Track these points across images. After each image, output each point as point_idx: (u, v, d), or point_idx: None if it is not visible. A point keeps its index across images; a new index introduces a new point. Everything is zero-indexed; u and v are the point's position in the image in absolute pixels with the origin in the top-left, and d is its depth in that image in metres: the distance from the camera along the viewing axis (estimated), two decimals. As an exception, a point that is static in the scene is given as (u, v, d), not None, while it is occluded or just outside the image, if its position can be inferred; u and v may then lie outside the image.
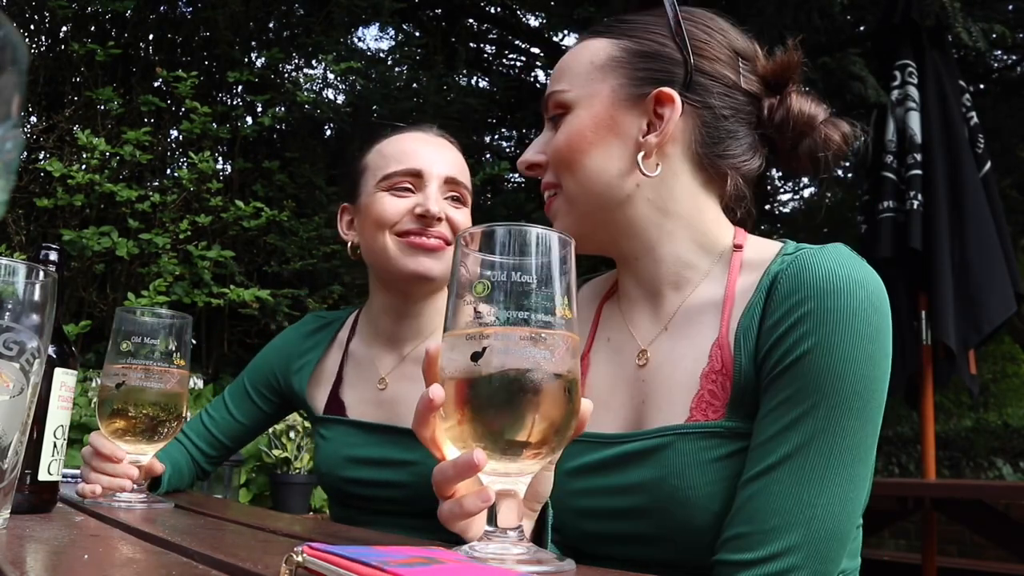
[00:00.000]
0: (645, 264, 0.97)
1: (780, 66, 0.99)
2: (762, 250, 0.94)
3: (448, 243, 1.41)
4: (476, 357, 0.62)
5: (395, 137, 1.47)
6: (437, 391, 0.65)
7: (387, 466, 1.36)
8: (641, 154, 0.93)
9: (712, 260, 0.95)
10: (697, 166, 0.96)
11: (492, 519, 0.66)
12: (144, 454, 1.18)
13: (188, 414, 1.51)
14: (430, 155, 1.43)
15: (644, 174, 0.93)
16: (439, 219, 1.39)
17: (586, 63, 0.98)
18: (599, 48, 0.98)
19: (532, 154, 1.01)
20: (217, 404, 1.57)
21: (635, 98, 0.94)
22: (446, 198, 1.42)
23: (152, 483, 1.38)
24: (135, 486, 1.17)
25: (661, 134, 0.93)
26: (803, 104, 0.98)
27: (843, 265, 0.83)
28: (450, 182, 1.43)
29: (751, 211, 1.01)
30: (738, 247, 0.95)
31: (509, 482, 0.66)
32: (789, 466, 0.79)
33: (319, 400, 1.50)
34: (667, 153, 0.95)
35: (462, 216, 1.44)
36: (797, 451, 0.79)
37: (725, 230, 0.98)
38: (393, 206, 1.40)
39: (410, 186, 1.41)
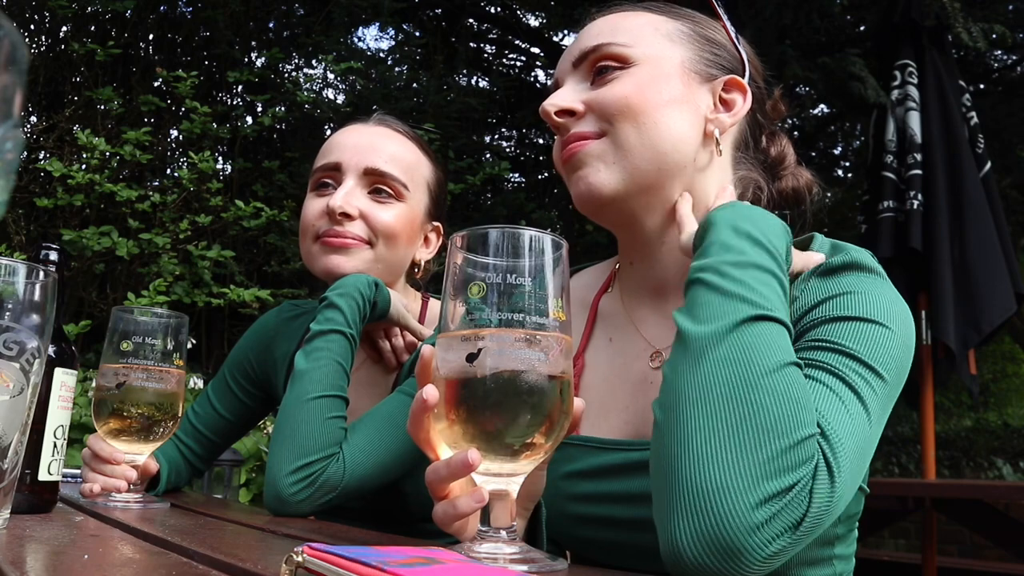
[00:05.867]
0: (669, 248, 0.93)
1: (780, 112, 1.05)
2: None
3: (364, 242, 1.27)
4: (471, 358, 0.63)
5: (337, 131, 1.36)
6: (431, 392, 0.65)
7: None
8: (714, 129, 0.91)
9: None
10: (730, 164, 0.97)
11: (485, 519, 0.67)
12: (140, 454, 1.19)
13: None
14: (353, 145, 1.29)
15: (716, 149, 0.92)
16: (348, 216, 1.25)
17: (649, 28, 0.93)
18: (659, 20, 0.95)
19: (568, 100, 0.91)
20: (202, 399, 1.51)
21: (705, 76, 0.93)
22: (370, 192, 1.28)
23: (151, 482, 1.38)
24: (131, 486, 1.18)
25: (735, 115, 0.93)
26: (789, 147, 1.02)
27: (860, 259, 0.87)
28: (372, 174, 1.27)
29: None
30: None
31: (502, 482, 0.66)
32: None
33: None
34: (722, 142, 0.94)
35: (386, 213, 1.28)
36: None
37: None
38: (310, 208, 1.30)
39: (330, 181, 1.29)
